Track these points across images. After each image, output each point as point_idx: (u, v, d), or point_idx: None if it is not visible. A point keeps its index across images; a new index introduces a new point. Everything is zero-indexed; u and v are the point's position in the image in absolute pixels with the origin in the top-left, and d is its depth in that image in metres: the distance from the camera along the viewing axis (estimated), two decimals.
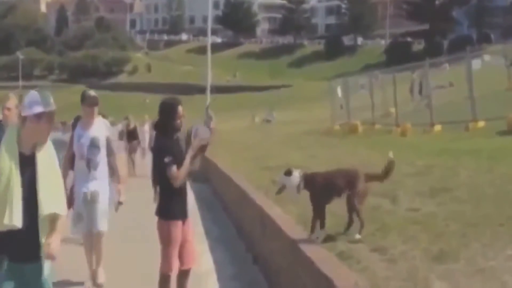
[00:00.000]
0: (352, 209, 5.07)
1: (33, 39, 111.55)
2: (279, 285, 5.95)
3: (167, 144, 5.23)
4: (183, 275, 5.51)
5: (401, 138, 15.26)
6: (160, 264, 5.33)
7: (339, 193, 5.07)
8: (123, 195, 6.74)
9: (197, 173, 18.22)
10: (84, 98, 6.57)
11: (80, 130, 6.57)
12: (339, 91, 27.32)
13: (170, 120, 5.23)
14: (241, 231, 9.26)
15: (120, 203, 6.75)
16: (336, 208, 5.35)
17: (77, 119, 6.72)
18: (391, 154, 5.19)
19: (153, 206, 5.49)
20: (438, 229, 5.09)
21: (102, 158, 6.54)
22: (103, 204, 6.51)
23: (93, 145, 6.48)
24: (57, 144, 3.78)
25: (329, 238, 5.16)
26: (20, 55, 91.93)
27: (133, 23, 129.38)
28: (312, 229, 5.12)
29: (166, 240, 5.28)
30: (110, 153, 6.62)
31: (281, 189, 5.22)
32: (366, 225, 5.12)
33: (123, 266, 7.28)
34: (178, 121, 5.25)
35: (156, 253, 5.48)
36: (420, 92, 22.67)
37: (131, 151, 19.04)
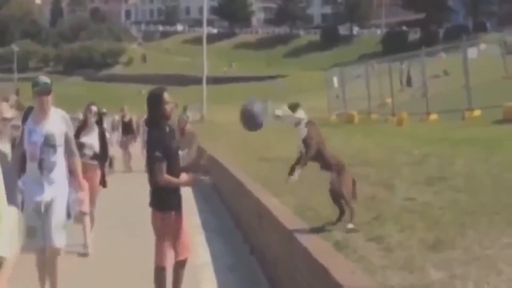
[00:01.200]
0: (339, 198, 4.96)
1: (28, 31, 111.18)
2: (276, 275, 5.96)
3: (158, 137, 5.12)
4: (179, 265, 5.48)
5: (397, 127, 15.30)
6: (155, 257, 5.29)
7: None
8: (85, 205, 6.25)
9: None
10: (33, 85, 5.50)
11: (31, 124, 5.50)
12: (335, 81, 27.32)
13: (159, 109, 5.13)
14: (238, 223, 9.26)
15: (83, 213, 6.26)
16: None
17: (28, 111, 5.58)
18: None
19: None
20: (434, 218, 5.10)
21: (58, 158, 5.50)
22: (59, 215, 5.44)
23: (48, 143, 5.44)
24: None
25: (324, 228, 5.16)
26: (15, 47, 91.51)
27: (128, 14, 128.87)
28: (291, 172, 4.89)
29: (160, 231, 5.24)
30: (70, 154, 5.64)
31: (277, 118, 5.07)
32: (362, 214, 5.12)
33: (120, 262, 7.28)
34: (167, 108, 5.15)
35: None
36: (408, 83, 22.55)
37: (126, 145, 18.68)
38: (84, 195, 6.01)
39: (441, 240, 4.38)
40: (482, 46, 34.14)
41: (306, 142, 4.96)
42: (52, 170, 5.44)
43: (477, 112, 14.36)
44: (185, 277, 6.32)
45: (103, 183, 8.12)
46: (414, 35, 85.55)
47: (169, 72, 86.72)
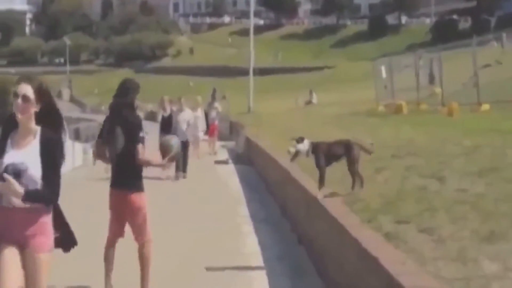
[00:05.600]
0: (352, 170, 6.24)
1: (79, 25, 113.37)
2: (325, 265, 5.96)
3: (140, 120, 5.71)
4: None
5: (448, 117, 14.99)
6: (145, 236, 5.55)
7: (338, 158, 6.33)
8: None
9: (241, 155, 18.38)
10: None
11: None
12: (383, 71, 26.96)
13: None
14: (285, 212, 9.29)
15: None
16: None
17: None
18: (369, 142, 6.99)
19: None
20: (487, 209, 5.01)
21: None
22: None
23: None
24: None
25: (373, 219, 5.15)
26: (67, 40, 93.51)
27: (176, 7, 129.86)
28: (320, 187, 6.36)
29: (145, 210, 5.57)
30: None
31: (294, 157, 6.45)
32: (413, 205, 5.09)
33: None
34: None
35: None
36: (431, 80, 21.97)
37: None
38: None
39: (494, 231, 4.31)
40: None
41: (316, 162, 6.31)
42: None
43: None
44: (235, 266, 6.42)
45: None
46: (464, 23, 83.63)
47: (216, 63, 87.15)
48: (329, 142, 6.53)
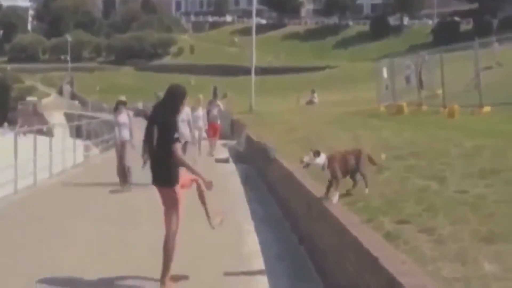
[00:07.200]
0: (361, 174, 6.54)
1: (81, 22, 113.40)
2: (325, 265, 5.98)
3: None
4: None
5: (449, 119, 14.98)
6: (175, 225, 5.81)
7: (352, 166, 6.52)
8: None
9: (242, 154, 18.38)
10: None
11: None
12: (384, 72, 26.94)
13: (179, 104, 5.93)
14: (286, 212, 9.31)
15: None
16: None
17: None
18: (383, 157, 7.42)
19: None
20: (487, 210, 5.03)
21: None
22: None
23: None
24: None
25: (374, 219, 5.17)
26: (68, 37, 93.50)
27: (178, 5, 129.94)
28: (327, 192, 6.44)
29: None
30: None
31: (307, 165, 6.54)
32: (414, 205, 5.10)
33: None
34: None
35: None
36: (421, 85, 21.92)
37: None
38: None
39: (494, 232, 4.33)
40: None
41: (332, 174, 6.40)
42: None
43: None
44: (235, 265, 6.44)
45: None
46: (466, 25, 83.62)
47: (218, 62, 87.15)
48: (342, 154, 6.71)
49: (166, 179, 5.81)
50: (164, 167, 5.80)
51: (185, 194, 5.93)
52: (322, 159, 6.43)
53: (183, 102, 5.96)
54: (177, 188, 5.81)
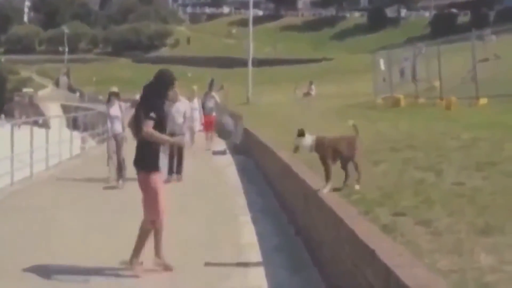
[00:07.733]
0: (354, 164, 6.13)
1: (77, 13, 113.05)
2: (322, 257, 5.98)
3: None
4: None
5: (446, 111, 15.00)
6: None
7: (342, 153, 6.12)
8: None
9: (238, 146, 18.34)
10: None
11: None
12: (382, 64, 26.94)
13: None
14: (283, 203, 9.30)
15: None
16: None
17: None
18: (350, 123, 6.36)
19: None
20: (484, 202, 5.03)
21: None
22: None
23: None
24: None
25: (371, 211, 5.17)
26: (65, 29, 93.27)
27: None
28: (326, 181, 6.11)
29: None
30: None
31: (296, 149, 6.18)
32: (410, 198, 5.10)
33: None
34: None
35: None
36: (414, 77, 21.89)
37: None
38: None
39: (490, 225, 4.33)
40: None
41: (321, 161, 6.11)
42: None
43: None
44: (232, 257, 6.44)
45: None
46: (463, 17, 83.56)
47: (215, 54, 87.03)
48: (333, 138, 6.34)
49: (141, 163, 5.85)
50: (140, 150, 5.85)
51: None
52: (308, 139, 6.02)
53: (170, 88, 5.95)
54: (154, 175, 5.80)
